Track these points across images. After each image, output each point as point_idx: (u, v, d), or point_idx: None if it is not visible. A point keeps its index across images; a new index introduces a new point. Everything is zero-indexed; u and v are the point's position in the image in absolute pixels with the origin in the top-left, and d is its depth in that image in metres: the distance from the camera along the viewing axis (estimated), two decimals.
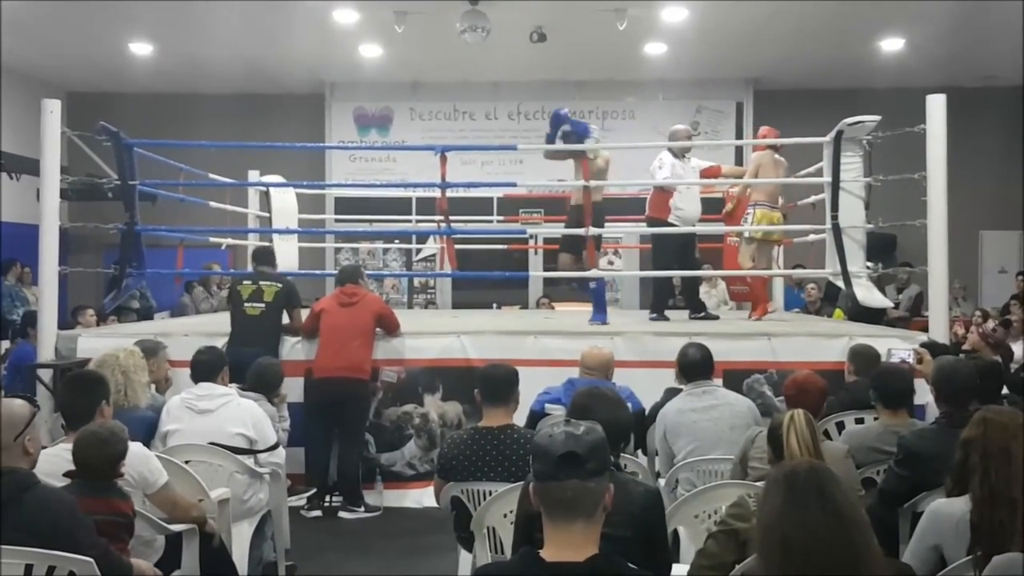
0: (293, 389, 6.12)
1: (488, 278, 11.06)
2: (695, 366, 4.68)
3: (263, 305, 6.59)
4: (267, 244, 7.14)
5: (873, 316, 8.09)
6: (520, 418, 4.34)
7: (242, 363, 5.55)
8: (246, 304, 6.58)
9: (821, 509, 2.06)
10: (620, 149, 11.61)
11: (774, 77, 12.84)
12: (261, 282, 6.68)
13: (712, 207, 8.49)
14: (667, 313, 7.80)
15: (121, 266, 7.30)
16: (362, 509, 6.21)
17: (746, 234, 7.77)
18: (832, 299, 10.30)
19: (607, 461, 2.22)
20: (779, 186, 7.88)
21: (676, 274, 8.02)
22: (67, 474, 3.29)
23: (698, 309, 7.91)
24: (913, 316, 10.65)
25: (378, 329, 6.50)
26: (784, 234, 8.27)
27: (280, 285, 6.70)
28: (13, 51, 11.02)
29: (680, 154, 7.66)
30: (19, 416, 3.04)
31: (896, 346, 6.05)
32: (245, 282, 6.73)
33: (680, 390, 4.95)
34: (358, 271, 6.89)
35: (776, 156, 7.79)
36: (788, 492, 2.11)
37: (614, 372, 5.05)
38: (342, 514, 6.19)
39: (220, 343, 6.05)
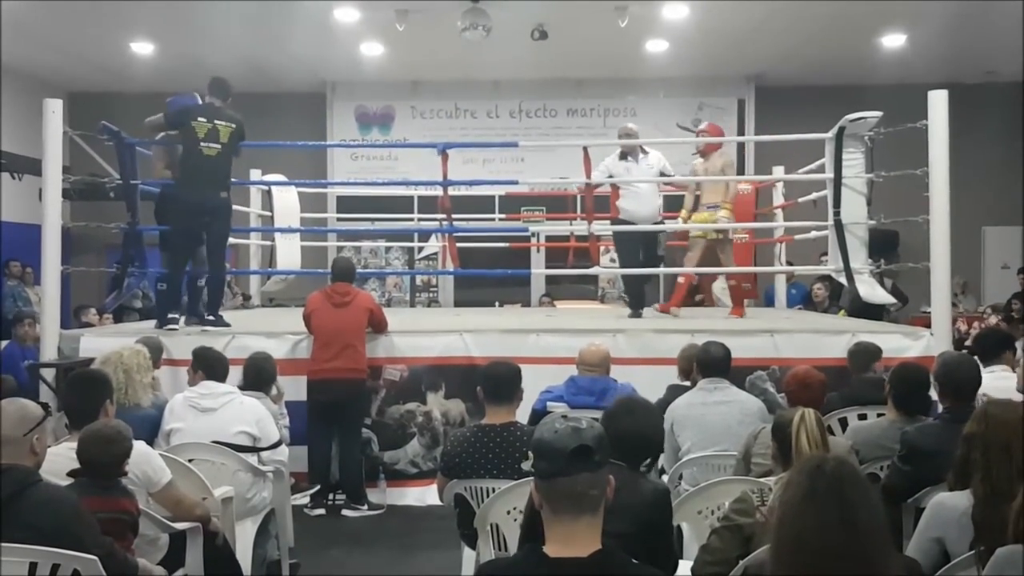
0: (298, 388, 6.14)
1: (490, 276, 11.07)
2: (714, 362, 4.69)
3: (219, 146, 6.52)
4: (220, 78, 6.93)
5: (873, 312, 8.09)
6: (522, 416, 4.35)
7: (203, 207, 6.12)
8: (202, 144, 6.51)
9: (839, 514, 2.02)
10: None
11: (776, 74, 12.81)
12: (216, 121, 6.58)
13: (673, 204, 8.39)
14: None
15: (123, 266, 7.30)
16: (365, 507, 6.22)
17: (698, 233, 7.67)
18: (838, 297, 10.25)
19: (609, 453, 2.22)
20: None
21: (686, 272, 8.01)
22: (71, 473, 3.30)
23: (638, 307, 7.74)
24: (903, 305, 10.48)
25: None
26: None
27: (234, 125, 6.66)
28: (14, 51, 11.01)
29: (626, 154, 7.55)
30: (32, 414, 3.06)
31: (898, 342, 6.18)
32: (200, 119, 6.57)
33: (683, 387, 4.97)
34: (354, 270, 6.75)
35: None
36: (810, 489, 2.07)
37: (611, 369, 5.06)
38: (345, 512, 6.20)
39: (221, 344, 6.05)
